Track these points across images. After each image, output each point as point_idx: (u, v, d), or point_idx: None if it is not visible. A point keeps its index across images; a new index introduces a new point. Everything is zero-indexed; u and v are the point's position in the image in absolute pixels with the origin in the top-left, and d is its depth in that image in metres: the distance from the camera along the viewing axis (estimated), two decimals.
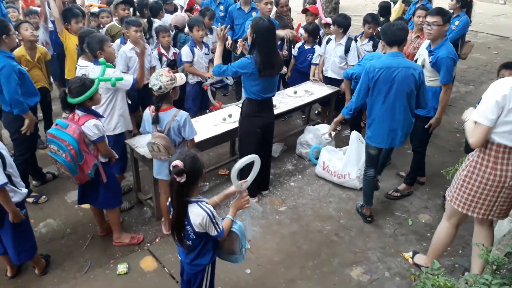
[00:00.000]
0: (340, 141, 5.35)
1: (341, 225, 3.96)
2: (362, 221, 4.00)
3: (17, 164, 4.13)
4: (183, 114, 3.30)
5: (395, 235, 3.85)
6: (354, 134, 4.40)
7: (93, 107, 3.29)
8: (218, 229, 2.35)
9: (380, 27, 3.51)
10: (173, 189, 2.22)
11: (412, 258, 3.53)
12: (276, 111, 4.65)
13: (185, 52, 4.94)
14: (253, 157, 2.43)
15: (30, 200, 4.10)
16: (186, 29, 5.47)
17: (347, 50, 5.06)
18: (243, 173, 2.60)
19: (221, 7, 5.91)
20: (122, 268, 3.39)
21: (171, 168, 2.20)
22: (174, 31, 5.49)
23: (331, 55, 5.24)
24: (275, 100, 4.89)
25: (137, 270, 3.42)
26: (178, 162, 2.19)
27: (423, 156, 4.32)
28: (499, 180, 2.63)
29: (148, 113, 3.37)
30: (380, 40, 3.50)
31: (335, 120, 4.05)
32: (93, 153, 3.22)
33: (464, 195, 2.79)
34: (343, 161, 4.49)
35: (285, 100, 4.98)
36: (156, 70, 4.81)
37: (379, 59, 3.51)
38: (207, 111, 5.15)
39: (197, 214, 2.29)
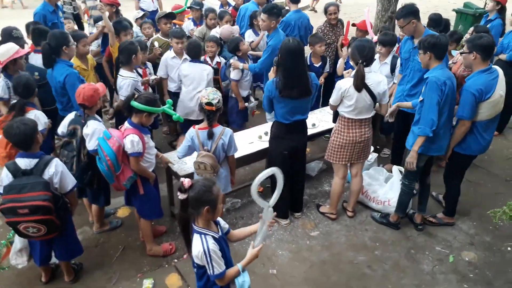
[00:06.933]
0: (381, 160, 5.07)
1: (375, 257, 3.75)
2: (398, 254, 3.76)
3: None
4: (228, 131, 3.43)
5: (433, 272, 3.58)
6: (396, 168, 4.29)
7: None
8: (211, 271, 2.22)
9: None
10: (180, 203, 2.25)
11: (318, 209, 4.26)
12: (315, 130, 4.54)
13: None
14: (272, 170, 2.20)
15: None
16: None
17: (393, 69, 4.82)
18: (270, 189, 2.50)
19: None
20: (147, 283, 3.42)
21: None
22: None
23: None
24: (315, 118, 4.76)
25: (162, 287, 3.44)
26: (186, 181, 2.18)
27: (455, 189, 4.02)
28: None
29: (194, 132, 3.40)
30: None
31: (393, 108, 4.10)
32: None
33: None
34: (384, 187, 4.28)
35: (325, 118, 4.81)
36: None
37: (436, 72, 3.46)
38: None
39: (196, 246, 2.24)
